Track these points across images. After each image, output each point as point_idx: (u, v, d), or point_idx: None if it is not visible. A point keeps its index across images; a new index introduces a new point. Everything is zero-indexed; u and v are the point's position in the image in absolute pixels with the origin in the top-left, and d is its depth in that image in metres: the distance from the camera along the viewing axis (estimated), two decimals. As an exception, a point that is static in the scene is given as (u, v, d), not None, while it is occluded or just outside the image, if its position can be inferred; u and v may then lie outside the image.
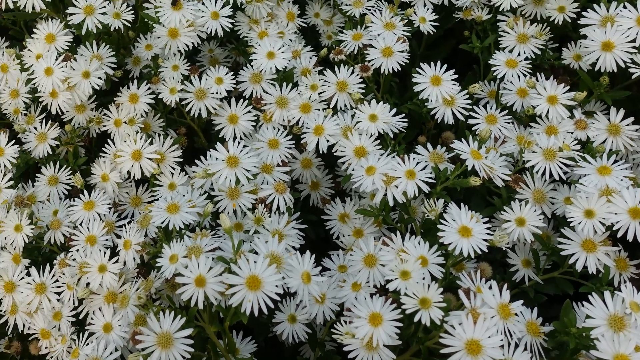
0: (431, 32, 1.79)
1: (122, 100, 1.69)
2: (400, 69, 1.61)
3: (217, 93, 1.67)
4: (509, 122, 1.58)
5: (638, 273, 1.42)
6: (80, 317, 1.44)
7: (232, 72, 1.68)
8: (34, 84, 1.66)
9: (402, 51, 1.63)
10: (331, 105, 1.61)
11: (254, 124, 1.66)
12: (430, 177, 1.39)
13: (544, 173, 1.46)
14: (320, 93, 1.62)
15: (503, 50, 1.69)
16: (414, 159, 1.41)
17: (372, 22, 1.70)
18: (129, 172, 1.59)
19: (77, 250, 1.46)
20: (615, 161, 1.43)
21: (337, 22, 1.92)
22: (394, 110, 1.57)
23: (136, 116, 1.67)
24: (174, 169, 1.62)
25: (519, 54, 1.67)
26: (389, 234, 1.44)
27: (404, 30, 1.70)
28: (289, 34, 1.79)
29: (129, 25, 1.76)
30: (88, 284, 1.40)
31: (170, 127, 1.75)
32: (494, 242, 1.32)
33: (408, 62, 1.62)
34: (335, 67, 1.63)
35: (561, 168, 1.46)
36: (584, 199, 1.33)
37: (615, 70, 1.49)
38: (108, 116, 1.70)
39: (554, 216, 1.46)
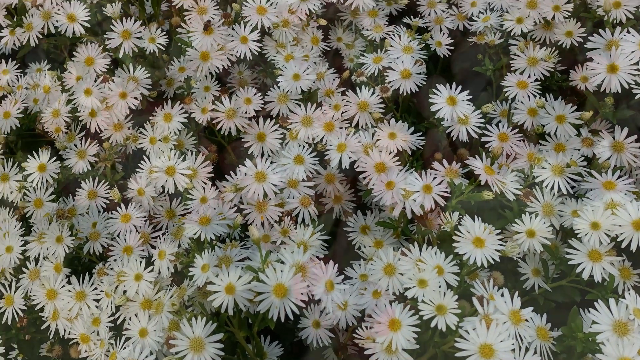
0: (447, 55, 1.83)
1: (157, 120, 1.73)
2: (417, 89, 1.63)
3: (246, 112, 1.69)
4: (519, 140, 1.58)
5: (641, 281, 1.43)
6: (118, 322, 1.47)
7: (260, 93, 1.71)
8: (74, 104, 1.71)
9: (419, 73, 1.65)
10: (353, 124, 1.62)
11: (281, 141, 1.68)
12: (446, 192, 1.40)
13: (552, 187, 1.48)
14: (342, 112, 1.64)
15: (514, 72, 1.71)
16: (430, 174, 1.43)
17: (391, 46, 1.73)
18: (163, 187, 1.60)
19: (115, 260, 1.50)
20: (620, 176, 1.46)
21: (359, 46, 1.93)
22: (412, 128, 1.59)
23: (170, 134, 1.70)
24: (205, 183, 1.62)
25: (529, 76, 1.68)
26: (407, 244, 1.46)
27: (421, 54, 1.73)
28: (314, 57, 1.81)
29: (163, 48, 1.80)
30: (125, 291, 1.43)
31: (202, 145, 1.77)
32: (506, 252, 1.33)
33: (425, 83, 1.64)
34: (357, 88, 1.65)
35: (569, 183, 1.49)
36: (590, 211, 1.35)
37: (620, 91, 1.49)
38: (144, 134, 1.74)
39: (562, 228, 1.46)
